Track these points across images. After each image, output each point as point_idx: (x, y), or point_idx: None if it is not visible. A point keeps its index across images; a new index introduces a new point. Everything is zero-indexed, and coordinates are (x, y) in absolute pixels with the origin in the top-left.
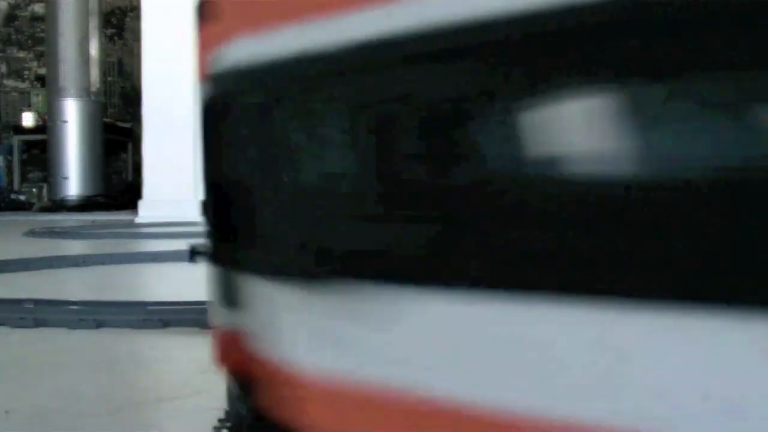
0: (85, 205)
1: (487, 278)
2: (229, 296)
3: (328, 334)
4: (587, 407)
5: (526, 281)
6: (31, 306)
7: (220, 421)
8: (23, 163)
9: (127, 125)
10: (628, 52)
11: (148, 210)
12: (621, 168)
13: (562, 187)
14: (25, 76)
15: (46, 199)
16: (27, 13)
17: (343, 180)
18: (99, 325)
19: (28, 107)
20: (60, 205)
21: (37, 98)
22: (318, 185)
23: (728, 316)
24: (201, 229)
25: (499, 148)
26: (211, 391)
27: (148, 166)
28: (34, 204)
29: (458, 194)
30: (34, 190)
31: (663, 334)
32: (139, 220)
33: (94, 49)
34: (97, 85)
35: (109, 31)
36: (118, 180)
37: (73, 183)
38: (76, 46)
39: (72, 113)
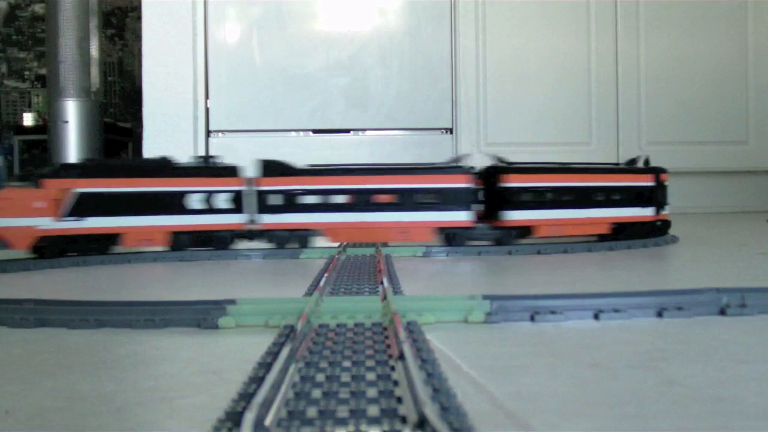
0: None
1: None
2: None
3: None
4: None
5: None
6: (31, 306)
7: (220, 421)
8: (23, 163)
9: (127, 125)
10: None
11: None
12: None
13: None
14: (26, 77)
15: None
16: (27, 14)
17: None
18: (100, 324)
19: (29, 107)
20: None
21: (38, 98)
22: None
23: None
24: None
25: None
26: (211, 391)
27: None
28: None
29: None
30: None
31: None
32: None
33: (94, 49)
34: (97, 85)
35: (110, 31)
36: None
37: None
38: (76, 46)
39: (72, 113)
